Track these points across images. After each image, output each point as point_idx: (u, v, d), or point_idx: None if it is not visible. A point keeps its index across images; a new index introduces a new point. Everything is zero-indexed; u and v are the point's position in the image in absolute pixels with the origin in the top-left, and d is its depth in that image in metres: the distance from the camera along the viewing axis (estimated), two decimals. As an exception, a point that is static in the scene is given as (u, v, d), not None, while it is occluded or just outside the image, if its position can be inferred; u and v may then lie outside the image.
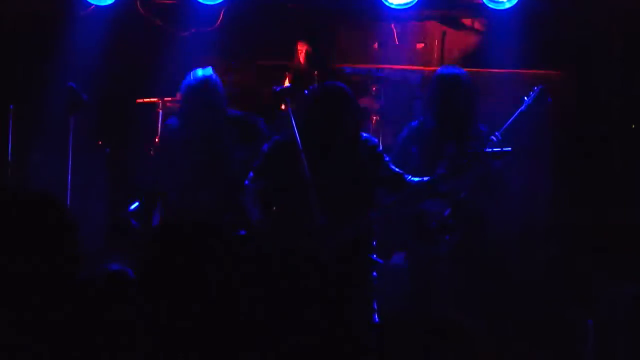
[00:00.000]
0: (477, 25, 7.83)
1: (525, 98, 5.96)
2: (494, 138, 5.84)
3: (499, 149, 5.35)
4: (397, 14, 6.97)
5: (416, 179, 5.41)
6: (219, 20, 7.16)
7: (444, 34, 7.88)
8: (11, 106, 6.70)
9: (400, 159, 5.74)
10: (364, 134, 5.43)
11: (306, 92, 5.68)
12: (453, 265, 5.73)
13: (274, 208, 5.31)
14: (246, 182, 5.33)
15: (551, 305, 6.40)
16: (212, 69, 5.88)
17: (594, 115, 7.37)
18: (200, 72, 5.84)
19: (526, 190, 7.09)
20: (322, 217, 5.07)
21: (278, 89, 5.58)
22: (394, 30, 7.59)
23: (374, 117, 7.18)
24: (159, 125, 6.62)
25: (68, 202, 6.04)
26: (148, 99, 6.86)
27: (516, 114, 5.93)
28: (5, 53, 7.13)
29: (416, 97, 7.16)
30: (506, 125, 5.89)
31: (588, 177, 7.18)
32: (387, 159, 5.42)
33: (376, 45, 7.60)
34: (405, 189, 5.36)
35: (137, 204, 6.52)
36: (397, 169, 5.40)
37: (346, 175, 5.20)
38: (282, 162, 5.22)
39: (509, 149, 5.33)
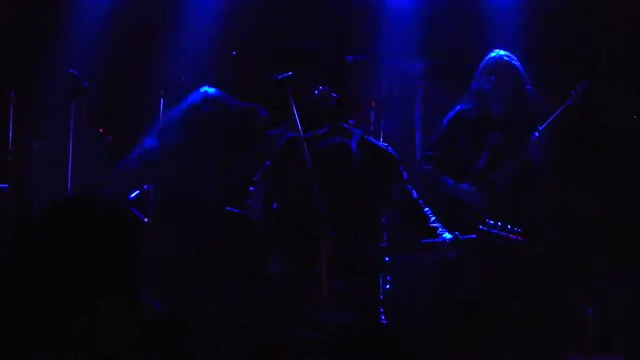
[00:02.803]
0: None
1: (572, 92, 5.87)
2: (538, 133, 5.76)
3: (514, 237, 5.04)
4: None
5: (429, 213, 5.18)
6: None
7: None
8: (11, 94, 6.69)
9: (447, 146, 5.66)
10: (382, 144, 5.34)
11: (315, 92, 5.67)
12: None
13: (277, 207, 5.29)
14: (251, 188, 5.32)
15: (551, 295, 6.40)
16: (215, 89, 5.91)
17: (597, 107, 7.36)
18: (205, 91, 5.86)
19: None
20: (323, 206, 5.05)
21: (279, 77, 5.57)
22: None
23: (373, 103, 7.15)
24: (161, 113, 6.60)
25: (69, 190, 6.04)
26: None
27: (561, 108, 5.86)
28: (5, 40, 7.11)
29: (418, 86, 7.13)
30: (551, 118, 5.81)
31: (589, 167, 7.18)
32: (406, 177, 5.25)
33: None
34: (419, 221, 5.16)
35: (137, 192, 6.52)
36: (414, 193, 5.22)
37: (358, 189, 5.16)
38: (287, 164, 5.21)
39: (523, 238, 5.06)
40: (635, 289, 6.27)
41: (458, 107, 5.89)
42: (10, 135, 6.63)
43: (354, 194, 5.13)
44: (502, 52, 5.91)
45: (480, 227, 5.04)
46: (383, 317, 5.15)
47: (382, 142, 5.46)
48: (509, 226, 5.03)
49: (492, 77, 5.77)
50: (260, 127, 5.98)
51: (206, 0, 7.24)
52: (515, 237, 5.02)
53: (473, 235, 5.04)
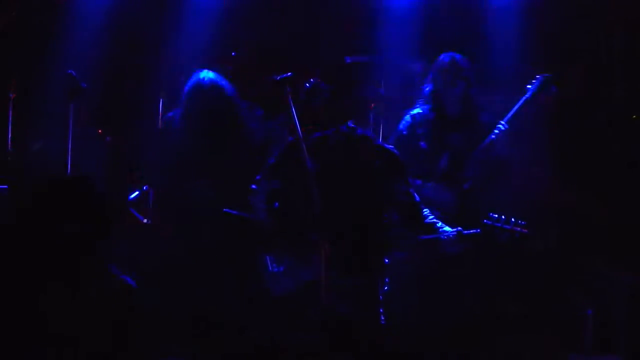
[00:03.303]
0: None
1: (529, 86, 5.95)
2: (502, 127, 5.81)
3: (519, 230, 5.08)
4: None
5: (428, 213, 5.23)
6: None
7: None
8: (11, 95, 6.69)
9: (408, 151, 5.71)
10: (388, 146, 5.35)
11: (307, 85, 5.68)
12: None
13: (279, 206, 5.30)
14: (253, 185, 5.32)
15: (551, 295, 6.41)
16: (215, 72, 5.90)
17: (594, 105, 7.36)
18: (206, 75, 5.84)
19: (526, 178, 7.09)
20: (323, 207, 5.06)
21: (278, 77, 5.57)
22: None
23: (373, 104, 7.15)
24: (160, 114, 6.61)
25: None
26: None
27: (520, 102, 5.91)
28: (5, 41, 7.11)
29: (418, 86, 7.14)
30: (511, 113, 5.87)
31: (588, 166, 7.18)
32: (409, 179, 5.29)
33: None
34: (418, 223, 5.19)
35: (137, 192, 6.53)
36: (416, 196, 5.25)
37: (363, 189, 5.18)
38: (289, 165, 5.22)
39: (527, 231, 5.09)
40: (635, 289, 6.27)
41: (413, 111, 5.96)
42: (10, 136, 6.64)
43: (358, 194, 5.14)
44: (453, 53, 6.02)
45: (485, 221, 5.06)
46: (383, 318, 5.15)
47: (383, 143, 5.48)
48: (512, 219, 5.05)
49: (448, 78, 5.85)
50: (255, 125, 5.98)
51: (206, 1, 7.24)
52: (519, 229, 5.04)
53: (477, 230, 5.06)
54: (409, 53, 7.21)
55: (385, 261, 5.22)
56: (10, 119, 6.64)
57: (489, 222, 5.04)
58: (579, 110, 7.28)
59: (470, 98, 5.92)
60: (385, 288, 5.21)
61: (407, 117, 6.00)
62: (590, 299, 6.41)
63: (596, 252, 6.74)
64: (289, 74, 5.48)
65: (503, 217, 5.04)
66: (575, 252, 6.77)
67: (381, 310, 5.15)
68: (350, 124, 5.27)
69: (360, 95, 5.86)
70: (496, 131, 5.80)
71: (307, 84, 5.63)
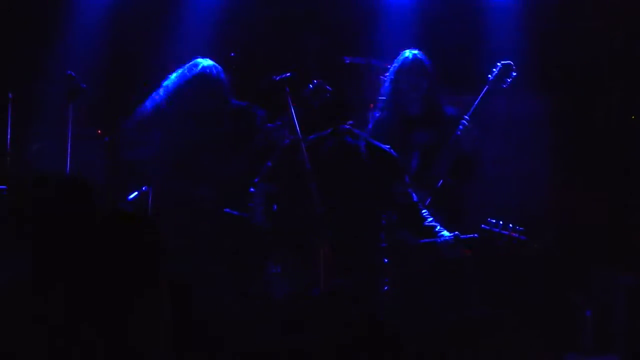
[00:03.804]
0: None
1: (489, 76, 5.88)
2: (465, 122, 5.77)
3: (517, 235, 5.07)
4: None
5: (427, 215, 5.25)
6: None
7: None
8: (10, 94, 6.68)
9: None
10: (386, 146, 5.34)
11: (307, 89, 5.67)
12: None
13: (278, 209, 5.30)
14: (251, 189, 5.32)
15: (550, 295, 6.41)
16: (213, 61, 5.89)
17: (592, 107, 7.37)
18: (202, 62, 5.84)
19: (524, 178, 7.09)
20: (322, 208, 5.07)
21: (277, 77, 5.57)
22: None
23: (371, 104, 7.15)
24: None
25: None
26: None
27: (482, 93, 5.85)
28: (3, 41, 7.11)
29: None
30: (474, 106, 5.81)
31: (587, 166, 7.19)
32: (407, 180, 5.30)
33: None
34: (417, 224, 5.21)
35: (135, 193, 6.52)
36: (414, 196, 5.27)
37: (362, 190, 5.17)
38: (288, 166, 5.22)
39: (524, 237, 5.08)
40: (634, 289, 6.27)
41: (375, 115, 5.91)
42: (9, 136, 6.63)
43: (357, 194, 5.14)
44: (415, 52, 5.96)
45: (482, 226, 5.06)
46: (382, 318, 5.15)
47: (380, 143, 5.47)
48: (510, 225, 5.05)
49: (410, 78, 5.82)
50: (256, 126, 5.97)
51: (205, 1, 7.24)
52: (517, 235, 5.04)
53: (475, 235, 5.06)
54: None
55: (384, 261, 5.22)
56: (10, 119, 6.63)
57: (487, 227, 5.05)
58: (578, 111, 7.29)
59: (433, 95, 5.86)
60: (385, 288, 5.22)
61: (371, 123, 5.90)
62: (589, 300, 6.42)
63: (595, 253, 6.75)
64: (288, 74, 5.49)
65: (501, 222, 5.05)
66: (573, 253, 6.78)
67: (380, 311, 5.16)
68: (348, 125, 5.27)
69: (359, 96, 5.86)
70: (460, 127, 5.75)
71: (311, 85, 5.61)
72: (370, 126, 5.87)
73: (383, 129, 5.82)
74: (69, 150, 6.10)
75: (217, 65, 5.93)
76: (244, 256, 5.57)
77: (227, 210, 5.57)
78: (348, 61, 7.23)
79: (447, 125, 5.78)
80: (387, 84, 5.97)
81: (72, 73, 6.13)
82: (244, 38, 7.32)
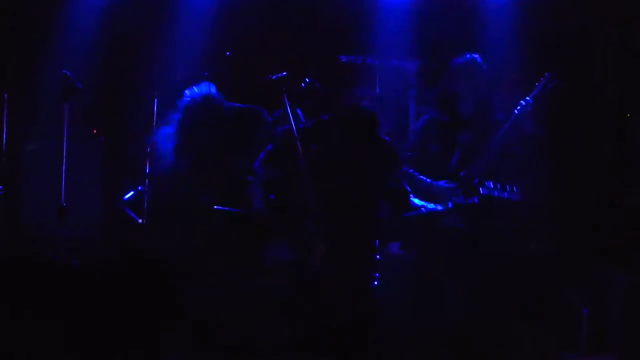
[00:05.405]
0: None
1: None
2: (524, 103, 5.83)
3: (515, 197, 5.21)
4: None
5: (418, 201, 5.35)
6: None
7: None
8: (5, 94, 6.68)
9: (419, 151, 5.76)
10: (386, 138, 5.38)
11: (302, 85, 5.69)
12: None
13: (274, 197, 5.31)
14: (249, 177, 5.34)
15: (547, 293, 6.41)
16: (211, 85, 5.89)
17: (589, 104, 7.38)
18: (199, 89, 5.84)
19: (522, 177, 7.10)
20: (317, 204, 5.09)
21: (274, 77, 5.58)
22: None
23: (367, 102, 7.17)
24: (154, 114, 6.59)
25: (62, 191, 6.04)
26: None
27: (543, 81, 5.91)
28: (-1, 41, 7.12)
29: (411, 86, 7.14)
30: (536, 90, 5.87)
31: (583, 165, 7.19)
32: (401, 169, 5.40)
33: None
34: (407, 209, 5.31)
35: (131, 193, 6.52)
36: (406, 186, 5.36)
37: (354, 177, 5.20)
38: (285, 154, 5.24)
39: (521, 197, 5.20)
40: (630, 288, 6.28)
41: (427, 115, 5.98)
42: (4, 136, 6.63)
43: (351, 180, 5.17)
44: (473, 55, 6.01)
45: (481, 190, 5.15)
46: (374, 312, 5.18)
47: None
48: (507, 187, 5.13)
49: (466, 79, 5.87)
50: (262, 131, 5.97)
51: (200, 1, 7.23)
52: (515, 196, 5.12)
53: (474, 199, 5.14)
54: (404, 53, 7.23)
55: (376, 257, 5.26)
56: (5, 119, 6.63)
57: (486, 191, 5.15)
58: (574, 109, 7.30)
59: (486, 98, 5.94)
60: (375, 283, 5.25)
61: (422, 121, 6.00)
62: (585, 299, 6.42)
63: (591, 252, 6.76)
64: (284, 73, 5.50)
65: (498, 185, 5.13)
66: (570, 252, 6.78)
67: (372, 305, 5.19)
68: (349, 106, 5.31)
69: (354, 94, 5.88)
70: (519, 107, 5.83)
71: (302, 84, 5.64)
72: (420, 124, 5.96)
73: (433, 127, 5.90)
74: (64, 149, 6.10)
75: (203, 88, 5.88)
76: (239, 251, 5.58)
77: (217, 207, 5.56)
78: (344, 60, 7.24)
79: (492, 127, 5.84)
80: (442, 85, 6.03)
81: (68, 73, 6.14)
82: (240, 37, 7.32)
